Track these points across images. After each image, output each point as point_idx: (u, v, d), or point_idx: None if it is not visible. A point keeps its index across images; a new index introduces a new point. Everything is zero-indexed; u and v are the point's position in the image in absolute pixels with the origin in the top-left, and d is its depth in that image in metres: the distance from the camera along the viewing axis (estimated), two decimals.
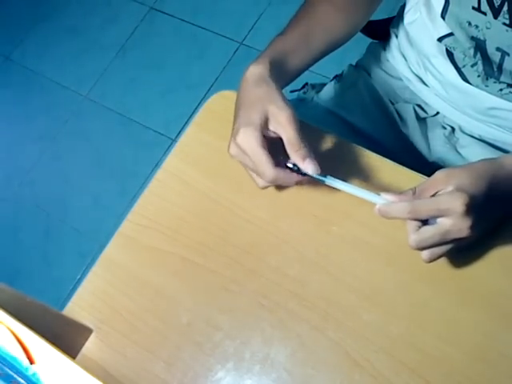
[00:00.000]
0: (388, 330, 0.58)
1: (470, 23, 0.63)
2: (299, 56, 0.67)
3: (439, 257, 0.53)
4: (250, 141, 0.57)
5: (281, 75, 0.63)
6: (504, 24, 0.59)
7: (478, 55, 0.66)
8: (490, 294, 0.57)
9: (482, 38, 0.63)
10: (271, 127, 0.59)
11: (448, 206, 0.50)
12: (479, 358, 0.55)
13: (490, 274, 0.58)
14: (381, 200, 0.54)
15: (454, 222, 0.50)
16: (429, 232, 0.51)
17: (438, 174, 0.53)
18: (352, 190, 0.57)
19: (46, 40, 1.98)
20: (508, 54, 0.63)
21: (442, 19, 0.66)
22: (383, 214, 0.53)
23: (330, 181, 0.57)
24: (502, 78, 0.67)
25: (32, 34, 2.01)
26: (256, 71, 0.61)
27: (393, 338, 0.58)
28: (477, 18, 0.61)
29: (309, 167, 0.56)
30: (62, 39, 1.97)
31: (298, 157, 0.57)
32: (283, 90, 0.62)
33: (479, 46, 0.65)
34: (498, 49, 0.63)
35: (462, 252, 0.56)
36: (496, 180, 0.53)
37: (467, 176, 0.52)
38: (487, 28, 0.61)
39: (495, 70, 0.66)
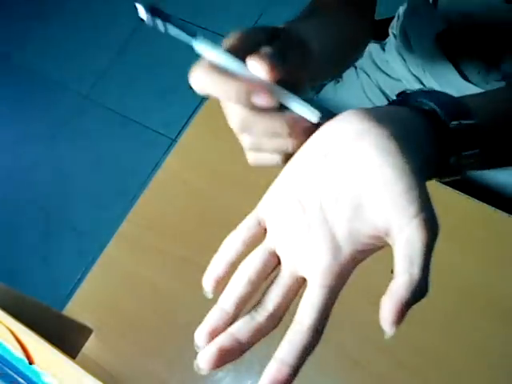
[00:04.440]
0: None
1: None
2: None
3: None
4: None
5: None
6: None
7: (477, 48, 0.66)
8: (490, 293, 0.57)
9: (478, 22, 0.62)
10: None
11: None
12: (479, 358, 0.55)
13: (490, 275, 0.58)
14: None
15: None
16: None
17: None
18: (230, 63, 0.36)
19: (46, 40, 1.98)
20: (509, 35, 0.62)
21: (438, 15, 0.66)
22: None
23: (201, 44, 0.36)
24: (503, 67, 0.66)
25: (32, 34, 2.01)
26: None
27: (393, 338, 0.58)
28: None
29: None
30: (62, 39, 1.97)
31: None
32: None
33: (477, 34, 0.64)
34: (496, 30, 0.62)
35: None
36: None
37: None
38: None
39: (495, 58, 0.66)
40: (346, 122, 0.35)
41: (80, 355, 0.65)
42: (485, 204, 0.61)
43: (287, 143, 0.37)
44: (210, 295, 0.37)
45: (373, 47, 0.85)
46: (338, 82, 0.87)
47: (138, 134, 1.74)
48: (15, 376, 0.47)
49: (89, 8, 2.00)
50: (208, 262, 0.69)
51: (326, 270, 0.33)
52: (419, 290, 0.30)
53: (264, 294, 0.35)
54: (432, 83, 0.76)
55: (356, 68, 0.87)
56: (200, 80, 0.35)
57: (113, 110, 1.80)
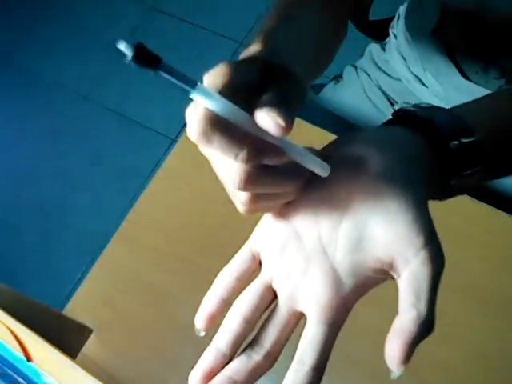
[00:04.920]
0: (388, 330, 0.58)
1: None
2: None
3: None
4: None
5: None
6: None
7: (471, 42, 0.66)
8: (490, 293, 0.57)
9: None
10: None
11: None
12: (479, 358, 0.55)
13: (490, 274, 0.58)
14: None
15: None
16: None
17: None
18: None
19: (46, 40, 1.98)
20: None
21: (435, 10, 0.66)
22: None
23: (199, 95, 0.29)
24: (502, 62, 0.66)
25: (32, 34, 2.01)
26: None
27: None
28: None
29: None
30: (62, 39, 1.97)
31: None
32: None
33: (474, 27, 0.64)
34: (493, 22, 0.62)
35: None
36: None
37: None
38: None
39: (493, 52, 0.65)
40: (344, 148, 0.33)
41: (80, 355, 0.65)
42: (485, 204, 0.61)
43: (290, 196, 0.33)
44: (201, 333, 0.35)
45: (373, 47, 0.85)
46: (338, 82, 0.87)
47: (138, 134, 1.74)
48: (15, 376, 0.47)
49: (89, 8, 2.00)
50: (208, 262, 0.69)
51: (327, 306, 0.31)
52: (427, 326, 0.30)
53: (260, 330, 0.33)
54: (432, 82, 0.76)
55: (356, 68, 0.87)
56: (201, 136, 0.29)
57: (113, 110, 1.80)
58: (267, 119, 0.28)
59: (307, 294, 0.32)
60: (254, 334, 0.33)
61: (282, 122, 0.28)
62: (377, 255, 0.30)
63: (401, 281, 0.30)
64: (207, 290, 0.68)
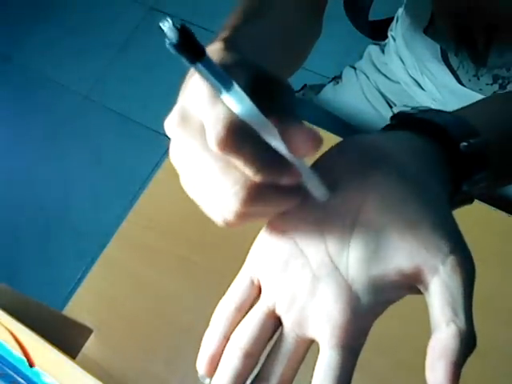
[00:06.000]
0: (388, 329, 0.58)
1: None
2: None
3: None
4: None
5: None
6: None
7: (463, 47, 0.66)
8: (490, 293, 0.57)
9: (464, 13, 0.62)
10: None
11: None
12: (479, 358, 0.55)
13: (488, 274, 0.58)
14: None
15: None
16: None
17: None
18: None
19: (46, 39, 1.98)
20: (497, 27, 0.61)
21: (426, 11, 0.67)
22: None
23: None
24: (490, 62, 0.66)
25: (32, 34, 2.01)
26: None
27: (393, 338, 0.58)
28: None
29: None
30: (62, 39, 1.97)
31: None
32: None
33: (460, 22, 0.65)
34: (482, 22, 0.62)
35: None
36: None
37: None
38: None
39: (481, 52, 0.66)
40: (350, 150, 0.30)
41: (80, 355, 0.65)
42: (485, 204, 0.61)
43: (277, 214, 0.30)
44: (206, 380, 0.30)
45: (372, 49, 0.85)
46: (338, 83, 0.87)
47: (138, 134, 1.74)
48: (15, 376, 0.47)
49: (89, 8, 2.00)
50: (208, 262, 0.69)
51: (344, 328, 0.27)
52: (469, 342, 0.26)
53: (265, 363, 0.29)
54: (430, 87, 0.77)
55: (355, 69, 0.87)
56: (228, 143, 0.24)
57: (113, 110, 1.80)
58: (309, 133, 0.25)
59: (318, 317, 0.27)
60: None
61: (319, 137, 0.25)
62: (398, 266, 0.26)
63: (430, 293, 0.26)
64: (207, 290, 0.68)
